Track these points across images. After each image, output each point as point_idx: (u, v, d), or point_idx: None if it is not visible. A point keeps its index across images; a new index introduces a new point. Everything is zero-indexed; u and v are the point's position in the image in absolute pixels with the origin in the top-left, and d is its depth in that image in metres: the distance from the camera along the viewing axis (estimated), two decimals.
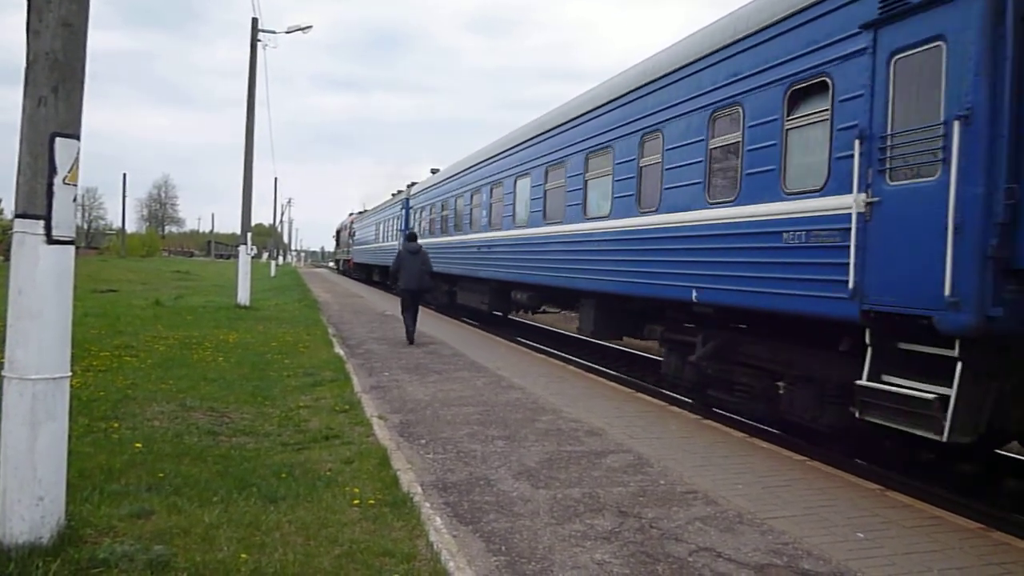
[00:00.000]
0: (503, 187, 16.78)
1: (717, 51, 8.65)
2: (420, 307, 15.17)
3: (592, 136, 12.08)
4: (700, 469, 6.32)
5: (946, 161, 5.55)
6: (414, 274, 14.25)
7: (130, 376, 9.39)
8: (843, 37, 6.67)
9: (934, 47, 5.74)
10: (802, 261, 7.10)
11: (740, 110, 8.18)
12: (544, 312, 17.50)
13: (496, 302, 18.16)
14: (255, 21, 24.41)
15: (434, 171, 27.84)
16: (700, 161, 8.89)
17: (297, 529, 4.50)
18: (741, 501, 5.49)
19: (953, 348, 5.63)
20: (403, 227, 26.16)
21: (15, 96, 4.00)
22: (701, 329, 9.43)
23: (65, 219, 4.02)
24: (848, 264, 6.38)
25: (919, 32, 5.86)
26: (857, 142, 6.34)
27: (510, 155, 16.54)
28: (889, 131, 6.13)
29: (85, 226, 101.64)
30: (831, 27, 6.84)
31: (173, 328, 15.30)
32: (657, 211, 9.88)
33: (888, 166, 6.14)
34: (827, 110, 6.89)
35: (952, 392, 5.50)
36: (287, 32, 25.41)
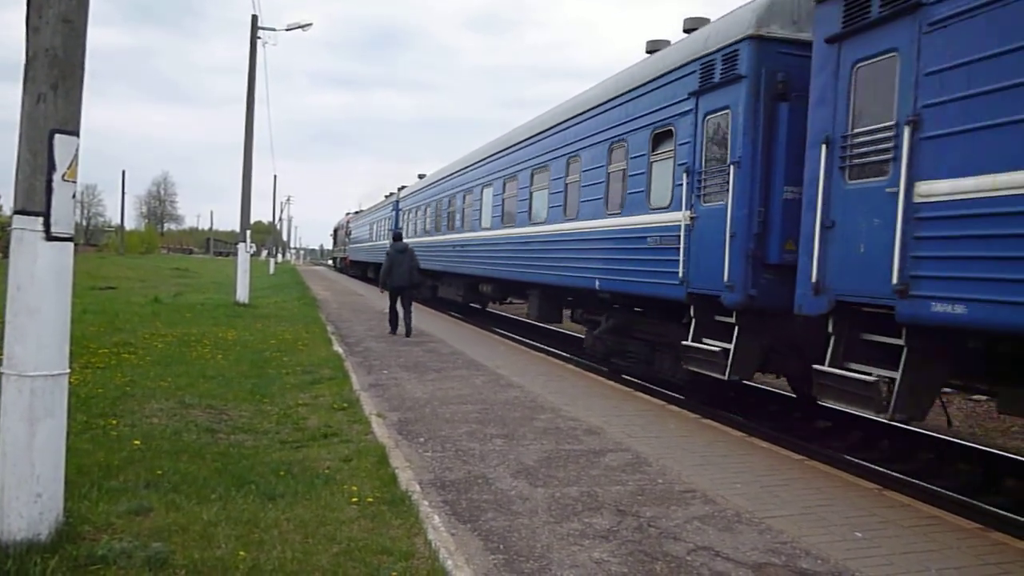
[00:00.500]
0: (473, 194, 19.49)
1: (614, 98, 11.36)
2: (413, 302, 16.02)
3: (536, 156, 14.85)
4: (698, 468, 6.33)
5: (727, 191, 8.28)
6: (404, 272, 15.04)
7: (129, 373, 9.38)
8: (680, 100, 9.39)
9: (724, 112, 8.48)
10: (656, 258, 9.75)
11: (625, 145, 10.86)
12: (510, 303, 19.98)
13: (469, 295, 21.05)
14: (255, 18, 24.40)
15: (421, 176, 30.28)
16: (602, 182, 11.61)
17: (295, 527, 4.50)
18: (739, 500, 5.49)
19: (732, 317, 8.37)
20: (394, 227, 28.11)
21: (14, 93, 4.00)
22: (605, 311, 12.07)
23: (64, 216, 4.02)
24: (679, 260, 9.17)
25: (717, 102, 8.62)
26: (685, 174, 9.12)
27: (478, 167, 19.18)
28: (701, 168, 8.90)
29: (84, 223, 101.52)
30: (674, 92, 9.56)
31: (172, 325, 15.30)
32: (576, 219, 12.60)
33: (702, 192, 8.87)
34: (671, 150, 9.58)
35: (731, 346, 8.34)
36: (287, 30, 25.42)
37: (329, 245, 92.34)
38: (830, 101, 6.84)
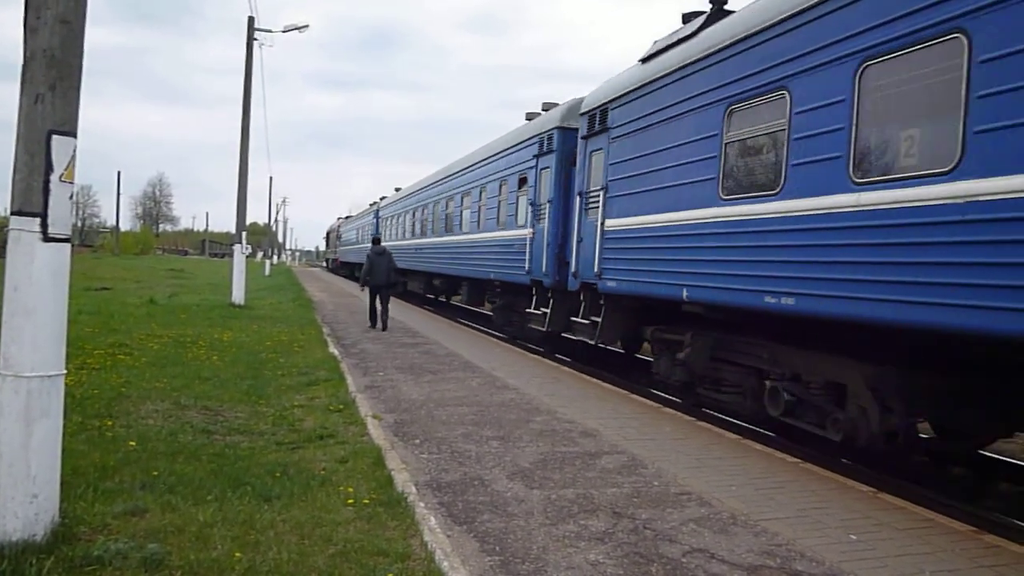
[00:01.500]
0: (427, 209, 25.25)
1: (503, 150, 17.07)
2: (391, 297, 18.25)
3: (464, 184, 20.43)
4: (694, 471, 6.34)
5: (546, 218, 13.48)
6: (382, 272, 16.94)
7: (124, 374, 9.37)
8: (530, 159, 14.76)
9: (547, 170, 13.75)
10: (517, 258, 14.86)
11: (507, 183, 16.37)
12: (457, 294, 23.72)
13: (428, 288, 26.43)
14: (251, 20, 24.38)
15: (397, 189, 35.84)
16: (495, 207, 17.10)
17: (291, 528, 4.50)
18: (735, 503, 5.51)
19: (548, 293, 13.40)
20: (374, 232, 33.40)
21: (11, 93, 4.00)
22: (503, 295, 17.44)
23: (61, 217, 4.02)
24: (526, 259, 14.30)
25: (544, 163, 13.96)
26: (530, 206, 14.40)
27: (432, 187, 24.93)
28: (537, 203, 14.10)
29: (79, 224, 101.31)
30: (527, 153, 14.96)
31: (167, 326, 15.27)
32: (483, 231, 18.10)
33: (537, 217, 14.02)
34: (527, 190, 14.86)
35: (549, 311, 13.33)
36: (284, 31, 25.41)
37: (324, 247, 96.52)
38: (582, 171, 12.13)
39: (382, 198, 39.36)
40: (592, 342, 12.06)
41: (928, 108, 5.94)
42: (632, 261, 10.19)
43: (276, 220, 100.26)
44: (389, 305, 17.30)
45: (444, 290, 24.51)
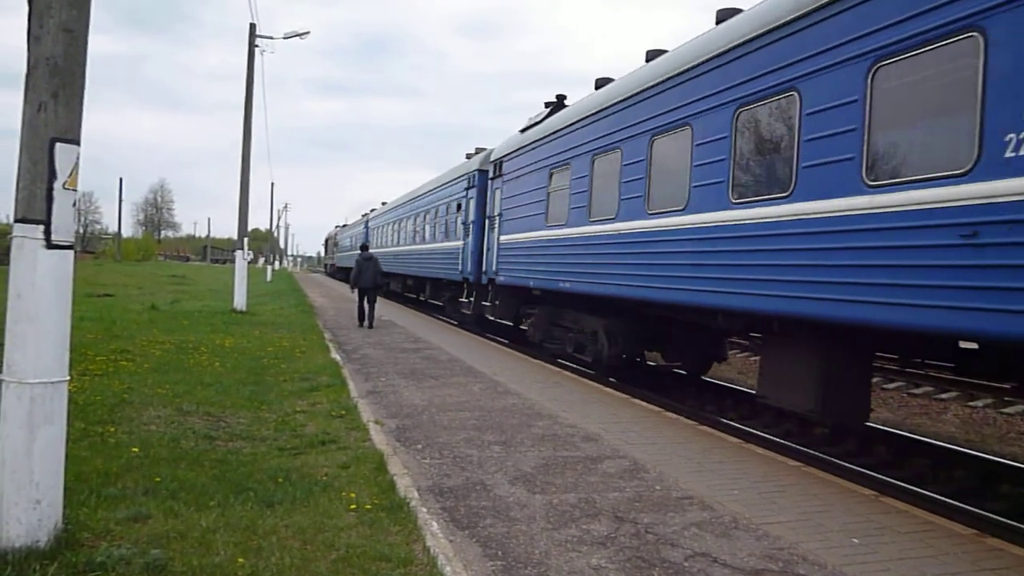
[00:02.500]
0: (403, 222, 30.90)
1: (448, 182, 22.37)
2: (378, 298, 20.45)
3: (423, 205, 26.20)
4: (696, 475, 6.35)
5: (471, 234, 18.64)
6: (370, 276, 18.95)
7: (126, 380, 9.38)
8: (463, 189, 19.80)
9: (472, 198, 18.85)
10: (455, 262, 19.93)
11: (451, 206, 21.44)
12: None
13: (403, 288, 32.28)
14: (253, 26, 24.45)
15: (384, 203, 41.76)
16: (444, 224, 22.27)
17: (294, 533, 4.51)
18: (736, 506, 5.51)
19: (472, 287, 18.90)
20: (364, 240, 37.87)
21: (15, 101, 4.02)
22: (450, 290, 22.57)
23: (64, 224, 4.04)
24: (459, 263, 19.58)
25: (470, 194, 19.03)
26: (462, 224, 19.56)
27: (404, 205, 30.97)
28: (467, 223, 19.00)
29: (81, 230, 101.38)
30: (462, 186, 19.94)
31: (169, 333, 15.29)
32: (436, 242, 23.51)
33: (466, 233, 19.05)
34: (462, 210, 19.88)
35: (489, 303, 17.29)
36: (285, 38, 25.46)
37: (324, 253, 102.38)
38: (490, 201, 17.57)
39: (372, 210, 45.78)
40: (492, 318, 18.62)
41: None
42: (512, 263, 15.63)
43: (278, 226, 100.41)
44: (376, 305, 19.53)
45: (415, 288, 30.15)
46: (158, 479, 5.39)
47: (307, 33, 25.51)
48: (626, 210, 10.58)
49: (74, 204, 4.14)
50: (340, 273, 59.24)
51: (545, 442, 7.30)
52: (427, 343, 15.86)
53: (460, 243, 19.75)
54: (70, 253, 4.10)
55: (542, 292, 14.25)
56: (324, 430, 7.27)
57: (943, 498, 6.76)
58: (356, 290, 19.13)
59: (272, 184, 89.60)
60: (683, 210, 9.13)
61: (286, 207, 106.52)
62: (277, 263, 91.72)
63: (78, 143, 4.12)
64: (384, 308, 26.51)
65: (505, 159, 16.49)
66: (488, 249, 17.39)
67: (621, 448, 7.16)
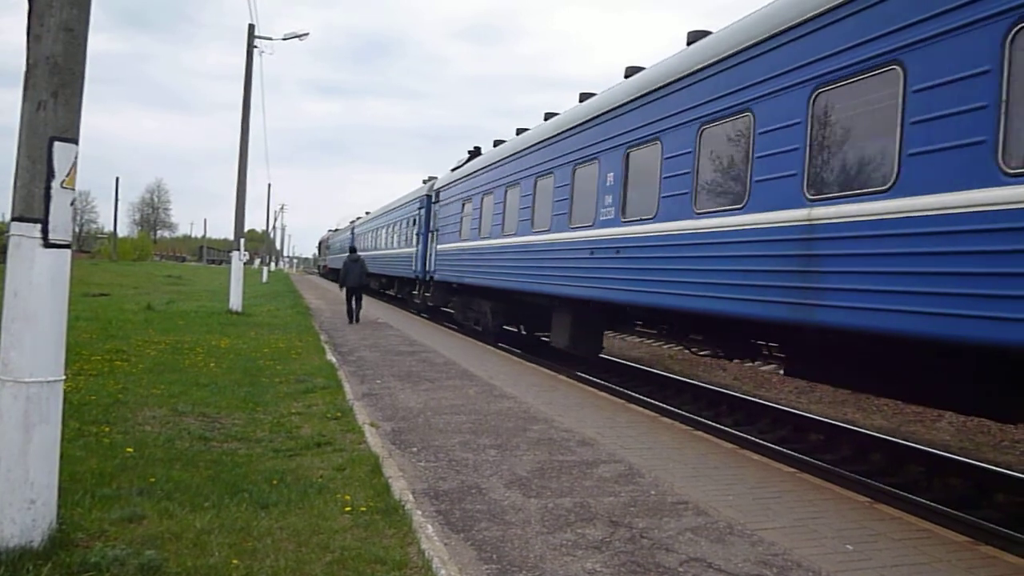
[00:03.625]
0: (379, 230, 36.72)
1: (407, 202, 29.00)
2: (364, 296, 22.68)
3: (392, 219, 32.10)
4: (691, 480, 6.35)
5: (423, 242, 24.63)
6: (356, 276, 20.87)
7: (121, 380, 9.36)
8: (417, 209, 25.98)
9: (422, 215, 25.03)
10: (407, 262, 26.87)
11: (407, 220, 27.85)
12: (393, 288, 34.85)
13: (379, 285, 37.32)
14: (251, 27, 24.45)
15: (367, 213, 47.98)
16: (405, 233, 28.03)
17: (288, 535, 4.50)
18: (731, 512, 5.52)
19: (428, 283, 23.68)
20: (351, 243, 42.68)
21: (13, 99, 4.02)
22: (410, 286, 27.56)
23: (62, 223, 4.03)
24: (413, 263, 25.68)
25: (423, 213, 24.91)
26: (416, 235, 25.58)
27: (379, 217, 37.74)
28: (422, 232, 24.73)
29: (77, 229, 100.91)
30: (417, 205, 26.07)
31: (165, 333, 15.27)
32: (397, 248, 29.85)
33: (417, 242, 25.48)
34: (416, 224, 25.85)
35: (429, 293, 23.56)
36: (284, 39, 25.49)
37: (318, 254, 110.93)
38: (433, 218, 23.61)
39: (358, 218, 52.22)
40: (431, 304, 23.76)
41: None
42: (443, 265, 21.26)
43: (274, 227, 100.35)
44: (363, 302, 21.92)
45: (389, 285, 35.34)
46: (153, 480, 5.37)
47: (306, 35, 25.55)
48: (494, 231, 16.64)
49: (72, 203, 4.13)
50: (331, 273, 64.19)
51: (540, 446, 7.30)
52: (423, 346, 15.85)
53: (413, 250, 25.95)
54: (67, 252, 4.09)
55: (459, 285, 20.20)
56: (319, 432, 7.26)
57: (937, 505, 6.78)
58: (344, 289, 21.19)
59: (269, 185, 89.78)
60: (515, 233, 15.27)
61: (283, 208, 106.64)
62: (273, 264, 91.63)
63: (77, 142, 4.12)
64: (380, 311, 26.61)
65: (441, 189, 22.89)
66: (429, 255, 23.46)
67: (616, 453, 7.16)
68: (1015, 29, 5.24)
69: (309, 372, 11.00)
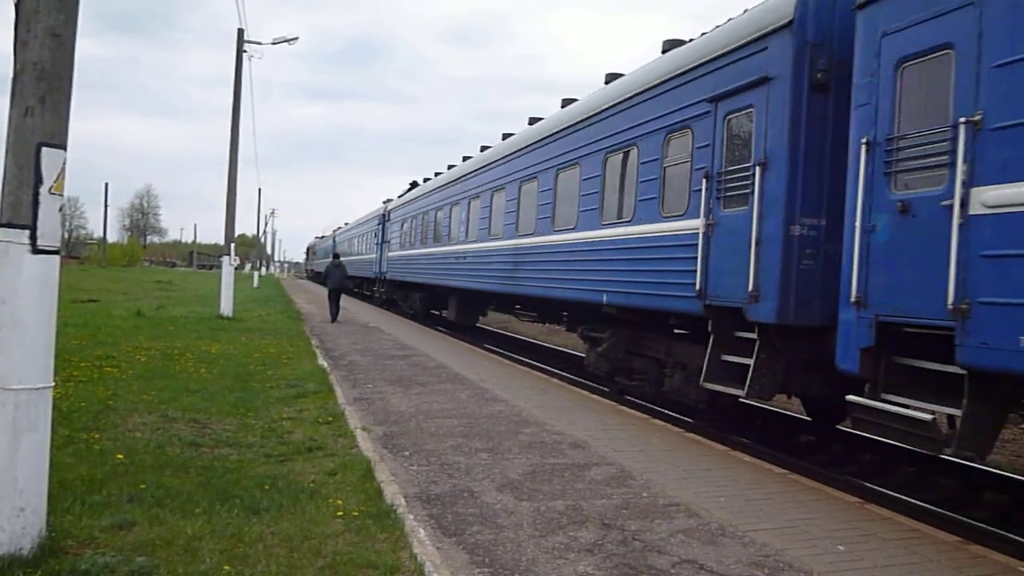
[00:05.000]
0: (356, 239, 42.97)
1: (371, 217, 37.84)
2: (341, 295, 25.07)
3: (364, 231, 40.30)
4: (683, 482, 6.36)
5: (378, 250, 34.04)
6: (338, 278, 23.93)
7: (111, 387, 9.32)
8: (375, 225, 35.46)
9: (380, 228, 34.20)
10: (371, 265, 35.09)
11: (372, 233, 36.28)
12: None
13: (357, 285, 42.71)
14: (241, 32, 24.42)
15: (346, 223, 57.02)
16: (371, 242, 36.14)
17: (280, 541, 4.49)
18: (723, 514, 5.53)
19: (383, 281, 33.50)
20: (334, 249, 48.62)
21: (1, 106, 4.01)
22: (372, 285, 36.86)
23: (50, 229, 4.02)
24: (375, 266, 34.59)
25: (379, 227, 33.99)
26: (376, 244, 34.80)
27: (352, 229, 46.64)
28: (379, 243, 33.89)
29: (66, 235, 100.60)
30: (376, 222, 35.41)
31: (155, 339, 15.20)
32: (367, 254, 37.68)
33: (378, 249, 33.89)
34: (376, 235, 34.64)
35: (384, 289, 33.44)
36: (273, 43, 25.46)
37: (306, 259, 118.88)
38: (386, 232, 31.85)
39: (339, 227, 60.77)
40: (385, 297, 31.64)
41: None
42: (392, 267, 29.07)
43: (265, 231, 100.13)
44: (341, 301, 24.57)
45: (361, 285, 42.29)
46: (143, 486, 5.35)
47: (296, 39, 25.51)
48: (420, 241, 24.21)
49: (60, 209, 4.12)
50: (317, 276, 72.14)
51: (532, 449, 7.30)
52: (414, 349, 15.83)
53: (375, 256, 34.07)
54: (55, 258, 4.08)
55: (401, 283, 27.83)
56: (311, 437, 7.25)
57: (927, 505, 6.81)
58: (328, 290, 24.51)
59: (259, 189, 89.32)
60: (447, 242, 21.06)
61: (273, 212, 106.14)
62: (264, 269, 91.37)
63: (65, 148, 4.11)
64: (371, 315, 26.59)
65: (391, 210, 31.25)
66: (384, 259, 31.34)
67: (608, 455, 7.17)
68: (668, 137, 9.48)
69: (300, 377, 10.97)
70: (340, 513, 5.01)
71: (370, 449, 6.92)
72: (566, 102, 14.31)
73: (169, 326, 18.45)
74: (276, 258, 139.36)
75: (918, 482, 7.93)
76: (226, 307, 22.03)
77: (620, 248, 10.45)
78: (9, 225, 3.95)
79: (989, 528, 6.21)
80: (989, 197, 5.13)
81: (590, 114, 11.81)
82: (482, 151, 20.10)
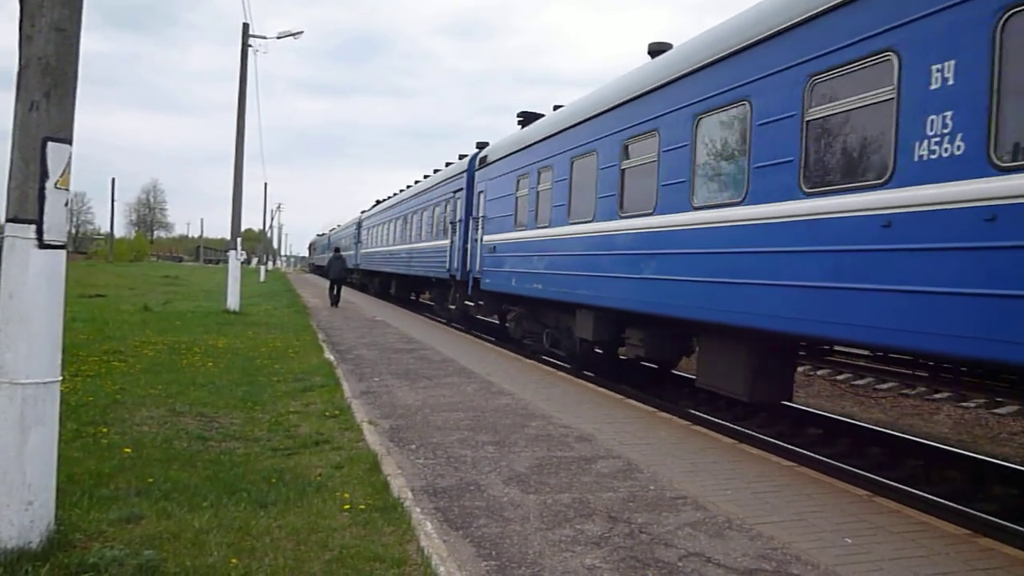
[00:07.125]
0: (344, 239, 53.06)
1: (350, 225, 53.89)
2: (343, 286, 29.13)
3: (349, 232, 52.85)
4: (689, 475, 6.35)
5: (356, 248, 46.87)
6: (339, 270, 27.85)
7: (119, 381, 9.35)
8: (356, 225, 49.12)
9: (358, 229, 47.10)
10: (353, 259, 46.50)
11: (353, 232, 50.10)
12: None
13: (357, 279, 46.77)
14: (246, 26, 24.40)
15: (338, 225, 65.03)
16: (352, 240, 49.85)
17: (287, 534, 4.50)
18: (730, 506, 5.52)
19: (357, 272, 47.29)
20: (335, 243, 54.58)
21: (6, 101, 4.01)
22: (353, 274, 46.19)
23: (57, 224, 4.02)
24: (354, 259, 46.27)
25: (359, 227, 46.71)
26: (353, 242, 48.58)
27: (342, 230, 59.47)
28: (355, 241, 47.44)
29: (73, 231, 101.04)
30: (353, 229, 50.08)
31: (162, 333, 15.25)
32: (350, 250, 48.67)
33: (356, 245, 47.20)
34: (356, 238, 48.03)
35: (356, 276, 46.61)
36: (278, 37, 25.45)
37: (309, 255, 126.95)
38: (363, 231, 43.87)
39: (335, 226, 70.01)
40: (357, 280, 46.58)
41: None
42: (366, 260, 41.31)
43: (271, 226, 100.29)
44: (342, 291, 28.23)
45: (365, 281, 46.95)
46: (151, 480, 5.37)
47: (300, 33, 25.50)
48: (402, 238, 28.57)
49: (66, 204, 4.12)
50: (318, 270, 78.26)
51: (539, 442, 7.30)
52: (420, 343, 15.84)
53: (353, 252, 44.14)
54: (62, 253, 4.08)
55: (374, 271, 35.54)
56: (318, 430, 7.26)
57: (936, 498, 6.78)
58: (329, 280, 28.56)
59: (265, 184, 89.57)
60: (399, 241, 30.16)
61: (279, 207, 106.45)
62: (270, 263, 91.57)
63: (70, 142, 4.11)
64: (376, 308, 26.60)
65: (365, 218, 41.19)
66: (361, 253, 39.85)
67: (615, 448, 7.16)
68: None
69: (307, 371, 10.99)
70: (347, 506, 5.02)
71: (377, 442, 6.93)
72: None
73: (176, 321, 18.51)
74: (283, 252, 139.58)
75: (926, 475, 7.90)
76: (233, 301, 22.09)
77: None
78: (15, 220, 3.95)
79: (998, 521, 6.19)
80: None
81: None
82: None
